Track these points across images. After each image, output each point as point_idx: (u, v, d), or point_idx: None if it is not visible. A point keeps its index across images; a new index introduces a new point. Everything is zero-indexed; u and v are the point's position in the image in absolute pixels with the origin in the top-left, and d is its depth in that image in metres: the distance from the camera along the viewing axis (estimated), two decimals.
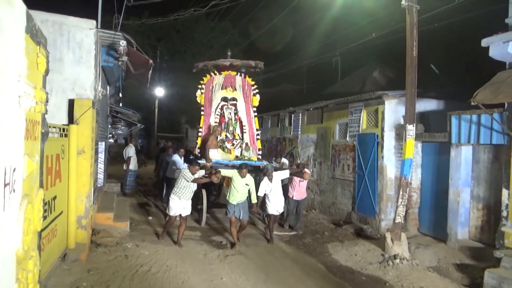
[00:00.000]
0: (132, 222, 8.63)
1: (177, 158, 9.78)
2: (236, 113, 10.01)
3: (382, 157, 8.89)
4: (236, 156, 9.46)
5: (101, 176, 9.11)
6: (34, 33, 2.16)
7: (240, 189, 7.37)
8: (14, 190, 1.86)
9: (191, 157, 9.25)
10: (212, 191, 10.00)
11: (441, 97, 9.11)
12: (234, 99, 10.03)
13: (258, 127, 10.24)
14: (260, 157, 9.91)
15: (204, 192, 8.84)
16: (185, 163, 9.51)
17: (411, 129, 6.99)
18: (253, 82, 10.27)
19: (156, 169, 13.02)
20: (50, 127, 3.58)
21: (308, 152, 12.23)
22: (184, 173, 7.12)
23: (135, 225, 8.57)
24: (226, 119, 9.92)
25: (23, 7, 1.99)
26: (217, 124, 9.74)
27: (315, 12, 17.78)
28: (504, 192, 6.42)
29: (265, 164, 8.96)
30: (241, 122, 10.02)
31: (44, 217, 4.51)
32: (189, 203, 7.33)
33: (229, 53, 10.45)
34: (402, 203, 7.14)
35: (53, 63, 5.43)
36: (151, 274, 5.70)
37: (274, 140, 14.69)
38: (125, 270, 5.75)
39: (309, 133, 12.33)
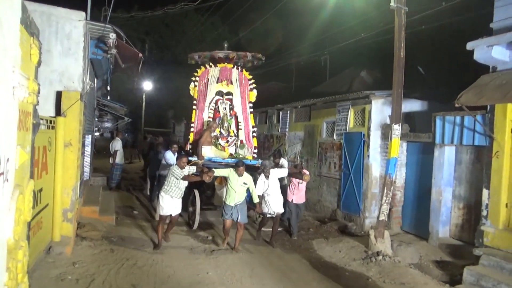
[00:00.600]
0: (118, 216, 8.61)
1: (170, 155, 9.12)
2: (231, 109, 9.40)
3: (368, 155, 9.04)
4: (230, 154, 8.92)
5: (87, 169, 9.04)
6: (28, 24, 2.17)
7: (237, 189, 6.84)
8: (7, 180, 1.87)
9: (182, 153, 8.77)
10: (205, 191, 9.16)
11: (427, 98, 9.30)
12: (229, 93, 9.40)
13: (254, 124, 9.70)
14: (255, 155, 9.39)
15: (196, 192, 8.27)
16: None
17: (396, 128, 7.13)
18: (250, 76, 9.66)
19: (144, 165, 12.75)
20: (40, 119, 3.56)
21: (295, 150, 12.33)
22: (173, 170, 6.70)
23: (121, 219, 8.55)
24: (221, 115, 9.29)
25: None
26: (213, 119, 9.14)
27: (305, 11, 17.86)
28: (485, 192, 6.61)
29: (261, 163, 8.37)
30: (236, 118, 9.43)
31: None
32: (180, 202, 6.93)
33: (225, 45, 9.88)
34: (386, 201, 7.29)
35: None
36: (137, 268, 5.71)
37: (262, 137, 14.75)
38: (111, 263, 5.75)
39: (296, 131, 12.43)
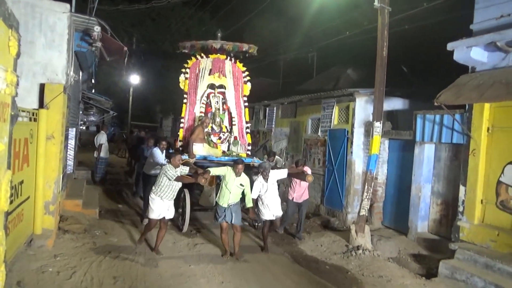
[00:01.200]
0: (102, 209, 8.60)
1: (157, 152, 8.24)
2: (224, 103, 8.83)
3: (351, 152, 9.20)
4: (223, 152, 8.38)
5: (70, 162, 9.00)
6: (6, 17, 2.19)
7: (233, 190, 6.25)
8: None
9: (171, 151, 8.29)
10: (194, 190, 8.63)
11: (409, 97, 9.48)
12: (222, 86, 8.82)
13: (248, 119, 9.12)
14: (249, 152, 8.87)
15: (186, 192, 7.61)
16: (166, 159, 8.19)
17: (378, 126, 7.27)
18: (244, 68, 9.12)
19: (131, 160, 12.53)
20: (19, 110, 3.56)
21: (281, 145, 12.43)
22: (166, 170, 6.11)
23: (104, 212, 8.54)
24: (213, 109, 8.72)
25: None
26: (205, 114, 8.60)
27: (293, 8, 17.93)
28: (461, 188, 6.81)
29: (256, 161, 8.01)
30: (229, 113, 8.90)
31: (11, 202, 4.48)
32: (172, 204, 6.35)
33: (219, 34, 9.15)
34: (367, 197, 7.44)
35: (24, 45, 5.32)
36: (119, 261, 5.75)
37: None
38: (93, 256, 5.78)
39: (282, 127, 12.53)
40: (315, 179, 10.51)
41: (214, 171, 6.45)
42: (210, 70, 8.80)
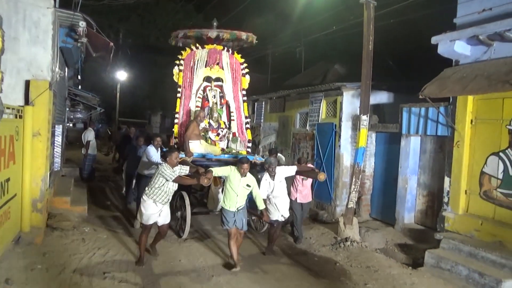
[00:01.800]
0: (90, 206, 8.54)
1: (152, 150, 7.47)
2: (222, 97, 8.28)
3: (339, 146, 9.29)
4: (222, 149, 7.75)
5: (58, 159, 8.93)
6: None
7: (240, 192, 5.65)
8: None
9: (165, 150, 7.34)
10: (191, 192, 7.96)
11: (396, 90, 9.59)
12: (219, 79, 8.26)
13: (247, 114, 8.59)
14: (250, 150, 8.32)
15: (185, 194, 6.97)
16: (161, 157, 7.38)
17: (365, 119, 7.37)
18: (242, 60, 8.53)
19: (118, 158, 12.22)
20: (4, 107, 3.54)
21: (269, 140, 12.49)
22: (163, 170, 5.38)
23: (93, 209, 8.50)
24: (210, 104, 8.15)
25: None
26: (201, 109, 7.99)
27: (280, 2, 17.92)
28: (446, 180, 6.95)
29: (258, 159, 7.50)
30: (228, 108, 8.34)
31: None
32: (167, 208, 5.71)
33: (214, 24, 8.47)
34: (355, 190, 7.56)
35: (7, 42, 5.27)
36: (109, 257, 5.75)
37: None
38: (82, 253, 5.77)
39: (271, 122, 12.58)
40: None
41: (216, 171, 5.74)
42: (206, 61, 8.20)
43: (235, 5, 15.46)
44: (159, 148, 7.64)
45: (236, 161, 6.01)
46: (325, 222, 8.74)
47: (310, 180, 7.29)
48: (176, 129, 8.04)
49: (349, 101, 9.27)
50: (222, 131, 8.04)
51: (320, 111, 10.04)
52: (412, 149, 7.89)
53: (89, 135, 11.46)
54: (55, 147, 8.45)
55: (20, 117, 5.69)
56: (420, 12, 9.96)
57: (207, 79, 8.22)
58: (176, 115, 8.12)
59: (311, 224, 8.65)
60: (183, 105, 8.11)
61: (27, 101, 6.07)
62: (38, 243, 5.77)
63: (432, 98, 6.64)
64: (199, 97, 8.17)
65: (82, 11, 6.96)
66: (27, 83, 6.12)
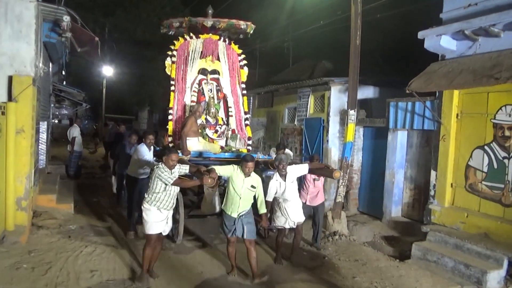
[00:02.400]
0: (77, 204, 8.43)
1: (144, 149, 6.69)
2: (219, 91, 7.72)
3: (327, 140, 9.34)
4: (221, 147, 7.18)
5: (43, 157, 8.77)
6: None
7: (244, 194, 4.96)
8: None
9: (157, 149, 6.98)
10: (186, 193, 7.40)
11: (383, 85, 9.67)
12: (215, 71, 7.69)
13: (247, 109, 8.00)
14: (250, 148, 7.73)
15: (180, 196, 6.07)
16: (154, 157, 6.80)
17: (352, 114, 7.40)
18: (240, 51, 8.00)
19: (107, 156, 11.89)
20: None
21: (258, 135, 12.48)
22: (160, 173, 4.70)
23: (80, 207, 8.38)
24: (206, 98, 7.57)
25: None
26: (197, 103, 7.40)
27: None
28: (433, 173, 7.05)
29: (261, 157, 6.89)
30: (226, 102, 7.80)
31: None
32: (171, 214, 5.05)
33: (210, 12, 7.78)
34: (343, 184, 7.61)
35: None
36: (96, 255, 5.67)
37: None
38: (69, 251, 5.69)
39: (259, 117, 12.58)
40: None
41: (218, 170, 5.00)
42: (201, 52, 7.64)
43: (222, 0, 15.35)
44: (151, 147, 6.87)
45: (239, 160, 5.30)
46: None
47: (322, 180, 6.68)
48: (170, 125, 7.38)
49: (337, 96, 9.31)
50: (220, 128, 7.53)
51: (308, 106, 10.07)
52: (399, 143, 7.97)
53: (75, 131, 11.29)
54: (39, 144, 8.31)
55: (3, 113, 5.58)
56: (408, 6, 10.02)
57: (203, 71, 7.67)
58: (170, 111, 7.47)
59: None
60: (177, 100, 7.50)
61: (10, 98, 5.93)
62: (23, 242, 5.67)
63: (418, 92, 6.70)
64: (194, 91, 7.61)
65: (66, 5, 6.82)
66: (10, 79, 5.98)
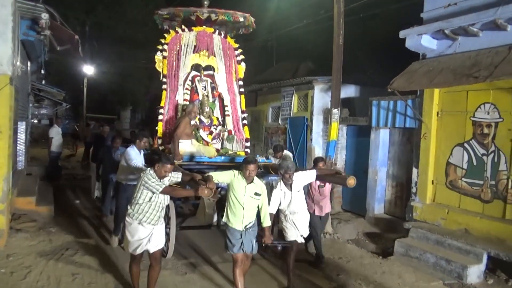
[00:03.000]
0: (57, 206, 8.24)
1: (133, 152, 5.86)
2: (214, 88, 7.11)
3: (311, 139, 9.39)
4: (217, 150, 6.55)
5: (21, 158, 8.55)
6: None
7: (247, 204, 4.32)
8: None
9: (146, 152, 6.29)
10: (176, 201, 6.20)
11: (366, 84, 9.76)
12: (210, 67, 7.12)
13: (244, 108, 7.39)
14: (248, 150, 7.18)
15: (171, 205, 5.44)
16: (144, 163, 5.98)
17: (336, 113, 7.45)
18: (236, 45, 7.42)
19: (84, 157, 11.49)
20: None
21: None
22: (146, 179, 4.07)
23: (60, 209, 8.19)
24: (200, 96, 6.94)
25: None
26: (191, 102, 6.78)
27: None
28: (414, 171, 7.15)
29: (261, 160, 6.14)
30: (221, 101, 7.21)
31: None
32: (161, 230, 4.36)
33: (205, 2, 7.23)
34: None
35: None
36: (77, 257, 5.57)
37: None
38: (49, 254, 5.58)
39: None
40: None
41: (216, 177, 4.37)
42: (195, 46, 7.05)
43: None
44: (141, 150, 6.06)
45: (238, 164, 4.66)
46: None
47: (329, 187, 6.04)
48: (160, 127, 6.78)
49: (320, 95, 9.37)
50: (215, 129, 6.88)
51: (292, 105, 10.10)
52: (382, 141, 8.06)
53: (52, 131, 11.06)
54: (18, 145, 8.09)
55: None
56: (391, 6, 10.14)
57: (196, 67, 7.08)
58: (161, 110, 6.86)
59: None
60: (168, 99, 6.90)
61: None
62: (1, 246, 5.54)
63: (400, 91, 6.79)
64: (187, 89, 6.96)
65: (45, 2, 6.66)
66: None
